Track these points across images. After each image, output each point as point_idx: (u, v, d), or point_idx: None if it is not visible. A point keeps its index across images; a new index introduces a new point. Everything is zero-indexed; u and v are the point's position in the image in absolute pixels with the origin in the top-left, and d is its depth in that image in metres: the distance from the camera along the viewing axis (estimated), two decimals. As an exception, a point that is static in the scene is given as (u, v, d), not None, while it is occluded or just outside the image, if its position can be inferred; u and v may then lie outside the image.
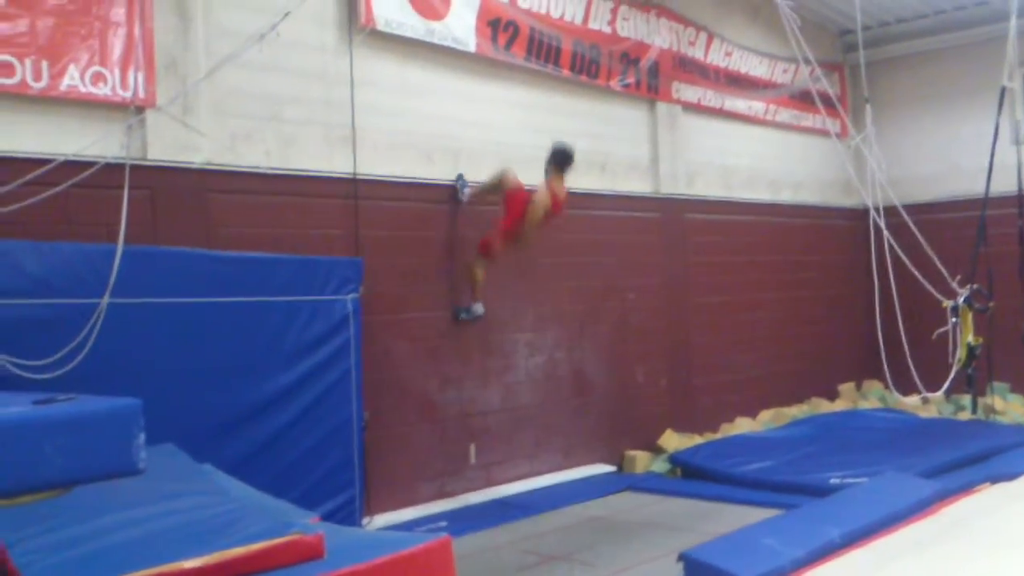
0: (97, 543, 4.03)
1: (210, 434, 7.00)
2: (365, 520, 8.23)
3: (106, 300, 6.39)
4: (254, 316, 7.41)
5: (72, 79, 6.95)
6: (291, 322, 7.63)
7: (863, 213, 10.54)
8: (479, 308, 9.34)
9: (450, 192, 9.41)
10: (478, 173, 9.56)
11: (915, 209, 9.98)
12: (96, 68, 7.06)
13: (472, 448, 9.50)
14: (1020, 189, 10.00)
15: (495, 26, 9.64)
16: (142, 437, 4.08)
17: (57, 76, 6.87)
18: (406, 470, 8.92)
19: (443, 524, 8.24)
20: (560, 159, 9.11)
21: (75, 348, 6.21)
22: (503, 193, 9.12)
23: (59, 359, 6.16)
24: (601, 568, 7.44)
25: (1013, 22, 9.35)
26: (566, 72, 10.46)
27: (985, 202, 9.75)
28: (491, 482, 9.64)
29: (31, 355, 6.08)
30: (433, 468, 9.17)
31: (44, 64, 6.82)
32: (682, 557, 6.40)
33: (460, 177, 9.44)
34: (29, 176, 6.42)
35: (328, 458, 7.78)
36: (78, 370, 6.15)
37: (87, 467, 3.86)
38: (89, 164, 6.62)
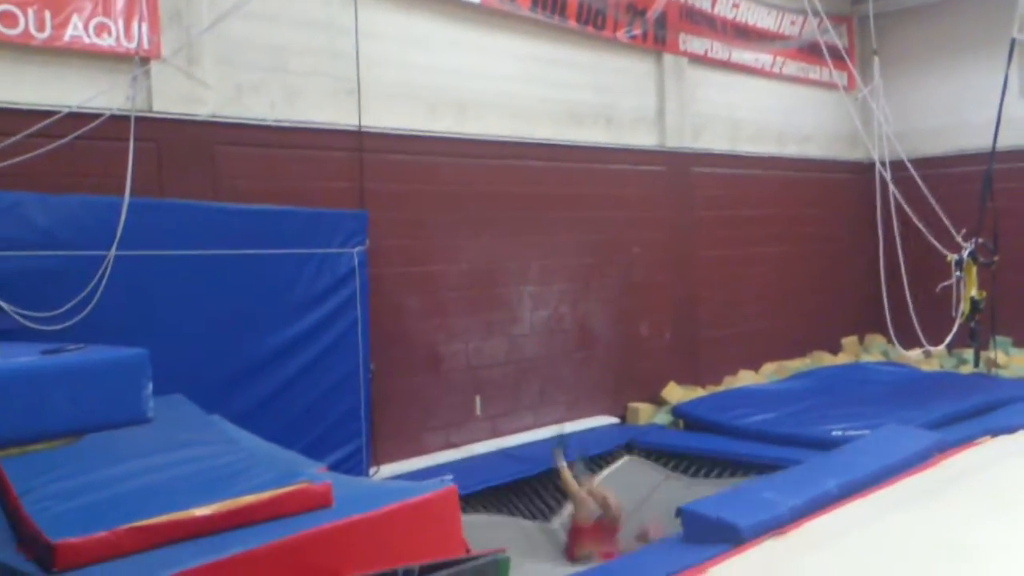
0: (108, 491, 4.05)
1: (218, 385, 7.03)
2: (372, 470, 8.30)
3: (113, 252, 6.44)
4: (261, 268, 7.42)
5: (75, 29, 6.91)
6: (298, 274, 7.64)
7: (869, 167, 10.49)
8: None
9: (459, 146, 9.38)
10: (482, 124, 9.52)
11: (922, 163, 9.93)
12: (100, 18, 7.02)
13: (478, 400, 9.57)
14: (1027, 143, 9.98)
15: (500, -23, 9.55)
16: (150, 386, 4.11)
17: (60, 26, 6.83)
18: (412, 421, 9.00)
19: (449, 475, 8.31)
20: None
21: (83, 300, 6.27)
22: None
23: (67, 311, 6.22)
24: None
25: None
26: (572, 23, 10.37)
27: (992, 156, 9.72)
28: (496, 433, 9.71)
29: (39, 307, 6.15)
30: (439, 419, 9.25)
31: (47, 14, 6.78)
32: (680, 511, 6.43)
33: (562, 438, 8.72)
34: (34, 128, 6.42)
35: (335, 409, 7.83)
36: (86, 321, 6.23)
37: (96, 416, 3.89)
38: (94, 116, 6.62)
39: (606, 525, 7.84)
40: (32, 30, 6.71)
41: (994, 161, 9.73)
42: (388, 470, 8.51)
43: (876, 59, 9.00)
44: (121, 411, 4.02)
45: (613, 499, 7.93)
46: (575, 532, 7.94)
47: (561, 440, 8.57)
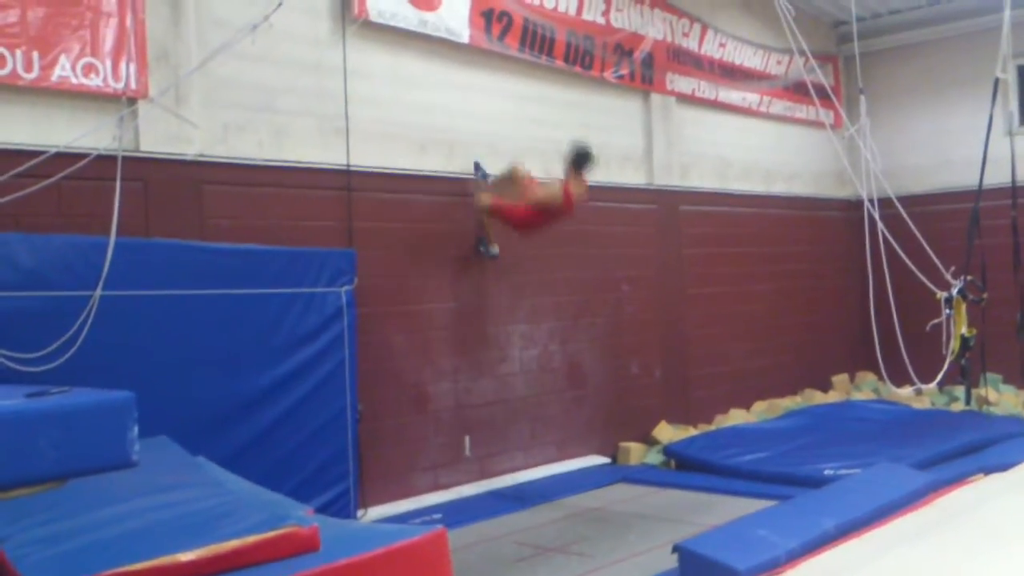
0: (91, 536, 4.00)
1: (204, 427, 6.96)
2: (360, 513, 8.22)
3: (99, 292, 6.39)
4: (248, 308, 7.37)
5: (63, 70, 6.90)
6: (285, 314, 7.60)
7: (857, 204, 10.54)
8: (495, 249, 9.55)
9: (447, 185, 9.39)
10: (471, 163, 9.55)
11: (909, 200, 9.96)
12: (88, 59, 7.01)
13: (467, 440, 9.49)
14: (1013, 180, 9.99)
15: (488, 16, 9.60)
16: (135, 430, 4.05)
17: (48, 67, 6.82)
18: (401, 462, 8.92)
19: (438, 516, 8.23)
20: (578, 159, 9.09)
21: (68, 341, 6.21)
22: (520, 182, 9.20)
23: (52, 352, 6.16)
24: (597, 559, 7.44)
25: (1007, 13, 9.34)
26: (560, 63, 10.43)
27: (979, 193, 9.75)
28: (486, 474, 9.63)
29: (23, 348, 6.09)
30: (428, 460, 9.17)
31: (35, 55, 6.77)
32: (676, 548, 6.39)
33: (478, 166, 9.56)
34: (21, 168, 6.38)
35: (322, 450, 7.75)
36: (71, 363, 6.17)
37: (81, 460, 3.83)
38: (81, 156, 6.58)
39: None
40: (20, 70, 6.69)
41: (980, 199, 9.75)
42: (376, 512, 8.42)
43: (863, 98, 9.03)
44: (106, 455, 3.96)
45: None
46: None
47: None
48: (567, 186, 9.03)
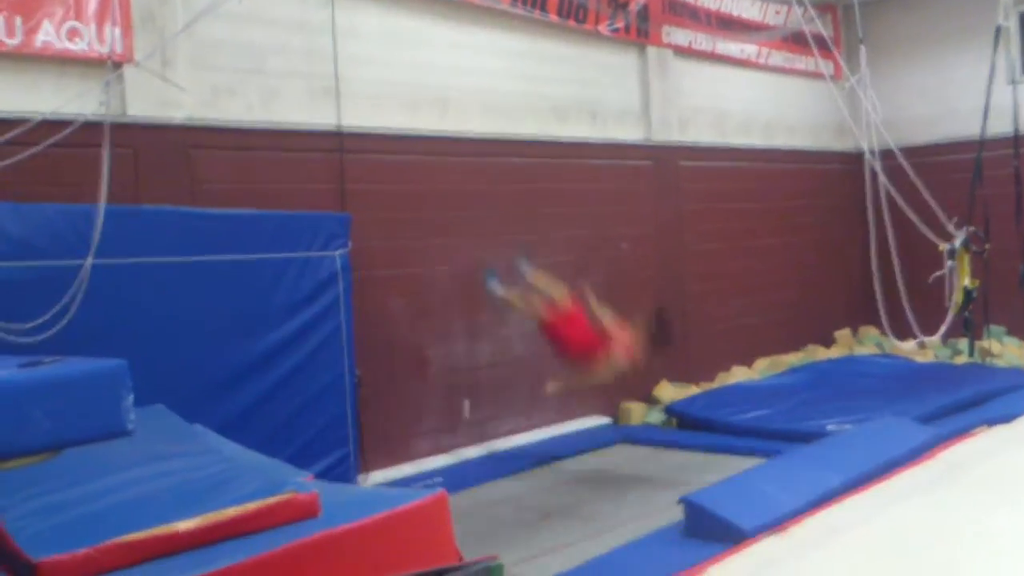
0: (89, 506, 3.98)
1: (200, 394, 6.92)
2: (360, 477, 8.18)
3: (90, 261, 6.29)
4: (241, 274, 7.30)
5: (47, 35, 6.80)
6: (279, 279, 7.53)
7: (858, 157, 10.41)
8: (498, 288, 8.94)
9: (441, 144, 9.26)
10: (465, 122, 9.40)
11: (910, 152, 9.82)
12: (71, 23, 6.91)
13: (466, 403, 9.43)
14: (1016, 129, 9.89)
15: (480, -28, 9.44)
16: (130, 398, 4.01)
17: (31, 32, 6.72)
18: (400, 426, 8.87)
19: (439, 480, 8.19)
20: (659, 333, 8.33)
21: (60, 310, 6.13)
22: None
23: (44, 322, 6.08)
24: (599, 521, 7.42)
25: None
26: (553, 17, 10.27)
27: (981, 143, 9.66)
28: (486, 436, 9.58)
29: (15, 318, 5.99)
30: (427, 424, 9.12)
31: (17, 20, 6.65)
32: (683, 501, 6.39)
33: (490, 273, 8.98)
34: (6, 136, 6.27)
35: (321, 416, 7.71)
36: (64, 333, 6.08)
37: (76, 429, 3.80)
38: (67, 122, 6.48)
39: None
40: (2, 36, 6.57)
41: (983, 149, 9.65)
42: (377, 477, 8.39)
43: (862, 48, 8.89)
44: (101, 424, 3.92)
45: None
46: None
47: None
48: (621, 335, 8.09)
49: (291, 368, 7.54)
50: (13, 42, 6.64)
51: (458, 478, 8.40)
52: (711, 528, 6.13)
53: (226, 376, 7.18)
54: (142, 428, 4.74)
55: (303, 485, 4.33)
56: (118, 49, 7.02)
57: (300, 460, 6.81)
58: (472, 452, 9.28)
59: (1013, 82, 10.38)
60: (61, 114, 6.52)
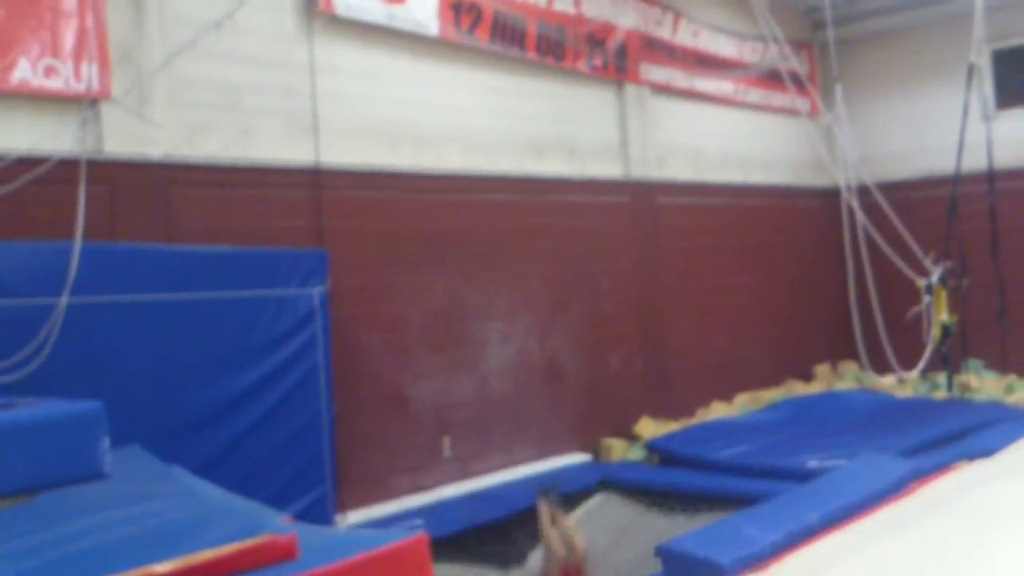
0: (64, 549, 3.90)
1: (177, 434, 6.86)
2: (338, 517, 8.09)
3: (65, 299, 6.25)
4: (218, 312, 7.27)
5: (23, 72, 6.77)
6: (257, 317, 7.49)
7: (835, 192, 10.48)
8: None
9: (420, 181, 9.25)
10: (443, 158, 9.43)
11: (887, 187, 9.92)
12: (48, 60, 6.87)
13: (446, 441, 9.37)
14: (990, 166, 9.98)
15: (457, 9, 9.48)
16: (106, 440, 3.94)
17: (7, 69, 6.67)
18: (378, 465, 8.79)
19: (419, 522, 8.11)
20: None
21: (35, 349, 6.07)
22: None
23: (19, 360, 6.02)
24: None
25: (979, -1, 9.32)
26: (531, 55, 10.32)
27: (956, 179, 9.74)
28: (466, 475, 9.50)
29: (-10, 357, 5.94)
30: (406, 462, 9.04)
31: (-7, 57, 6.61)
32: (659, 551, 6.30)
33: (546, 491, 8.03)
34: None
35: (298, 455, 7.65)
36: (39, 372, 6.06)
37: (51, 472, 3.75)
38: (43, 160, 6.44)
39: (571, 569, 7.60)
40: (-22, 74, 6.53)
41: (958, 185, 9.73)
42: (355, 517, 8.31)
43: (838, 85, 8.98)
44: (77, 467, 3.87)
45: (579, 541, 7.68)
46: None
47: (546, 490, 8.08)
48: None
49: (269, 407, 7.49)
50: (-11, 79, 6.58)
51: (438, 518, 8.30)
52: (690, 570, 6.04)
53: (203, 415, 7.12)
54: (118, 469, 4.68)
55: (281, 527, 4.27)
56: (95, 86, 7.00)
57: (277, 499, 6.81)
58: (452, 491, 9.20)
59: (987, 118, 10.47)
60: (37, 151, 6.49)
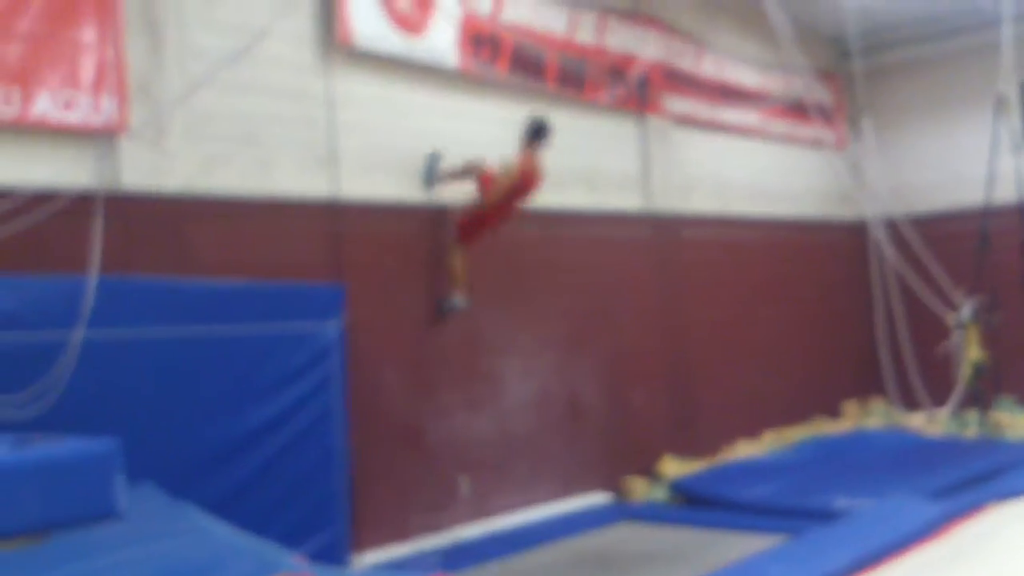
0: None
1: (190, 471, 6.75)
2: (353, 556, 7.95)
3: (80, 334, 6.19)
4: (234, 347, 7.17)
5: (43, 105, 6.71)
6: (272, 352, 7.38)
7: (862, 225, 10.33)
8: (459, 301, 8.98)
9: (433, 215, 9.17)
10: (463, 191, 9.35)
11: (916, 220, 9.76)
12: (68, 93, 6.82)
13: (464, 479, 9.22)
14: (1021, 198, 9.82)
15: (477, 42, 9.44)
16: (121, 479, 3.86)
17: (27, 102, 6.62)
18: (395, 504, 8.64)
19: (436, 561, 7.96)
20: (534, 132, 8.94)
21: (49, 384, 6.01)
22: (478, 178, 8.95)
23: (33, 396, 5.96)
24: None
25: (1006, 29, 9.20)
26: (552, 87, 10.26)
27: (985, 212, 9.58)
28: (484, 514, 9.33)
29: (4, 392, 5.90)
30: (423, 501, 8.88)
31: (15, 90, 6.57)
32: None
33: (432, 156, 9.12)
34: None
35: (313, 493, 7.51)
36: (53, 407, 6.01)
37: (66, 511, 3.67)
38: (59, 193, 6.39)
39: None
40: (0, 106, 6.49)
41: (988, 218, 9.57)
42: (370, 557, 8.16)
43: (865, 117, 8.86)
44: (92, 506, 3.82)
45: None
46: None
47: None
48: (525, 161, 8.88)
49: (284, 443, 7.36)
50: (9, 113, 6.53)
51: (456, 559, 8.15)
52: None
53: (217, 451, 7.00)
54: (131, 508, 4.59)
55: (295, 567, 4.19)
56: (113, 119, 6.95)
57: (292, 537, 6.70)
58: (470, 531, 9.05)
59: (1016, 149, 10.28)
60: (55, 185, 6.45)
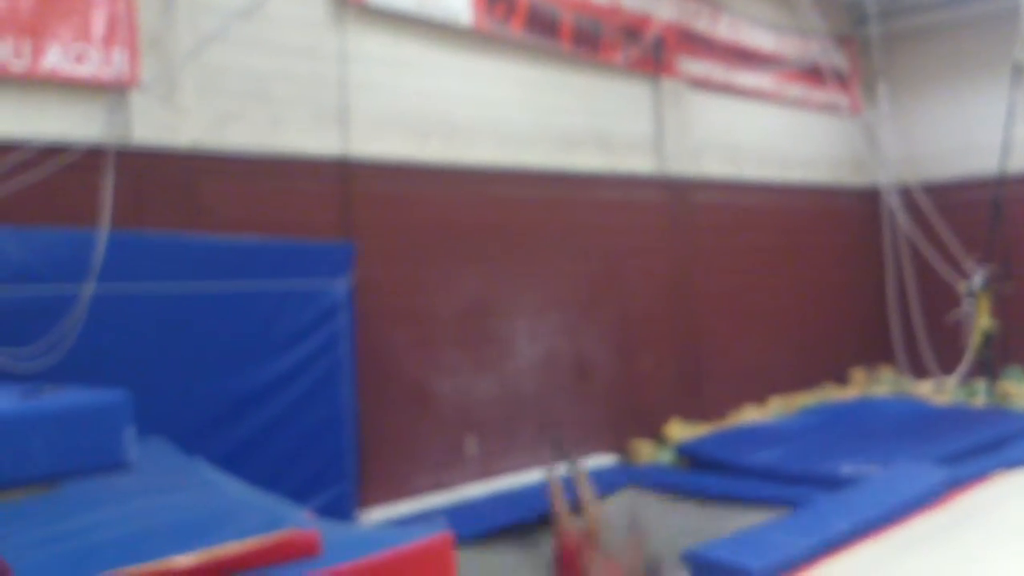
0: (86, 539, 3.86)
1: (199, 426, 6.79)
2: (359, 513, 7.99)
3: (90, 287, 6.21)
4: (243, 303, 7.19)
5: (54, 58, 6.72)
6: (281, 309, 7.39)
7: (875, 192, 10.27)
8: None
9: (450, 174, 9.14)
10: (474, 151, 9.31)
11: (930, 187, 9.70)
12: (78, 47, 6.82)
13: (470, 439, 9.25)
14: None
15: (491, -1, 9.36)
16: (131, 430, 3.88)
17: (38, 55, 6.62)
18: (402, 462, 8.68)
19: (442, 519, 7.99)
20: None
21: (60, 337, 6.04)
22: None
23: (44, 348, 6.00)
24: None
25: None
26: (566, 47, 10.18)
27: (1000, 180, 9.51)
28: (489, 473, 9.38)
29: (15, 344, 5.96)
30: (430, 459, 8.93)
31: (26, 43, 6.56)
32: (685, 557, 6.16)
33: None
34: (9, 160, 6.19)
35: (321, 449, 7.54)
36: (64, 359, 6.05)
37: (76, 461, 3.69)
38: (71, 147, 6.39)
39: (576, 544, 7.37)
40: (10, 59, 6.49)
41: (1002, 186, 9.51)
42: (376, 514, 8.21)
43: (881, 82, 8.79)
44: (102, 456, 3.84)
45: (595, 512, 7.51)
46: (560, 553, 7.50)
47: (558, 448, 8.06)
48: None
49: (291, 400, 7.39)
50: (20, 66, 6.54)
51: (461, 518, 8.18)
52: (717, 576, 5.92)
53: (226, 407, 7.04)
54: (141, 460, 4.63)
55: (303, 522, 4.21)
56: (124, 73, 6.93)
57: (299, 493, 6.71)
58: (475, 490, 9.08)
59: (1031, 118, 10.21)
60: (66, 139, 6.45)
